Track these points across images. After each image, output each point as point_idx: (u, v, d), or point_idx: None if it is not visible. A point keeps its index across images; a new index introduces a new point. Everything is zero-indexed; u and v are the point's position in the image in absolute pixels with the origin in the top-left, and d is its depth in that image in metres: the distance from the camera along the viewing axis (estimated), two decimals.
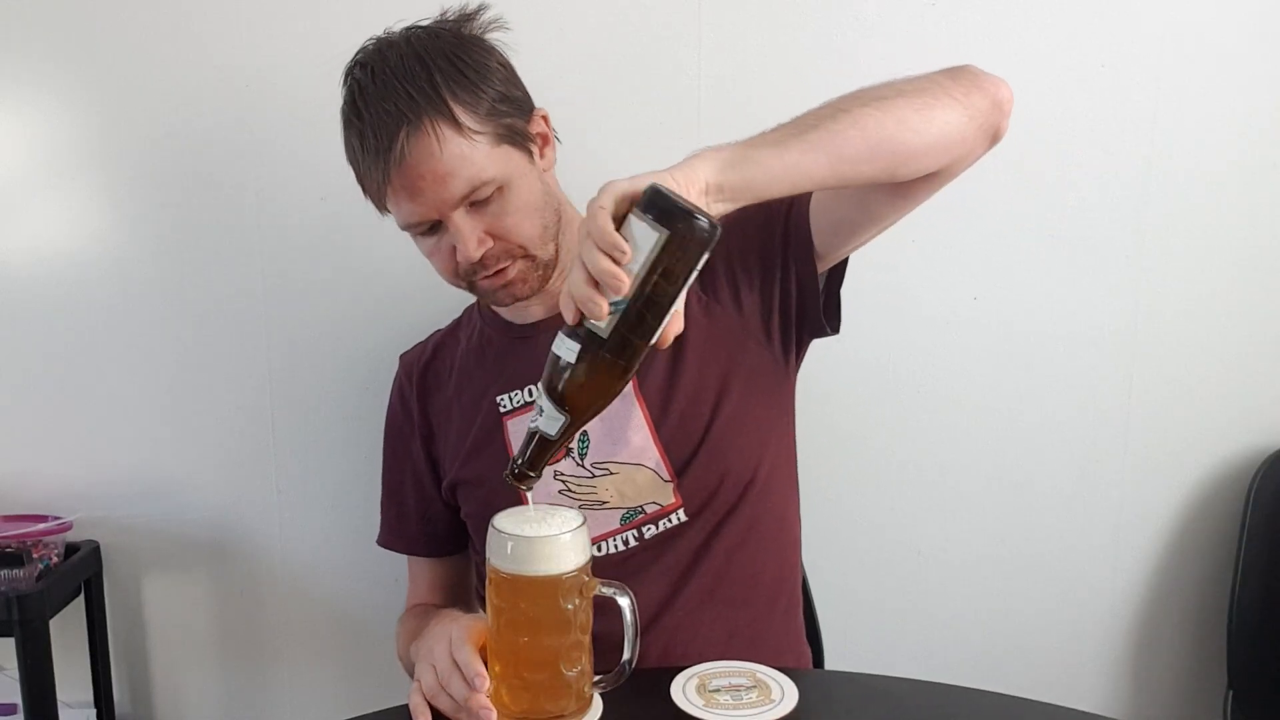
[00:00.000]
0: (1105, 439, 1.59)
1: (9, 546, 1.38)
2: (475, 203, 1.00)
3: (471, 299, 1.21)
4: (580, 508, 1.08)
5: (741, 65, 1.45)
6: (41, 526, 1.43)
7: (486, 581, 0.88)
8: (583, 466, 1.09)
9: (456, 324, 1.26)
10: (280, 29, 1.43)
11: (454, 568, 1.28)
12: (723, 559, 1.08)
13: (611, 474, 1.08)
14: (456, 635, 0.90)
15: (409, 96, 0.97)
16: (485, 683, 0.85)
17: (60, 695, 1.43)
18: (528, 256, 1.04)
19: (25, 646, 1.35)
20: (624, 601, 0.86)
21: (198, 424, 1.53)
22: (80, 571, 1.48)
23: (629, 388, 1.06)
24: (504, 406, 1.13)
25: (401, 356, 1.28)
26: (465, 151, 0.98)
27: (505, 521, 0.87)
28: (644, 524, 1.08)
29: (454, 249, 1.02)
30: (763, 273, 1.09)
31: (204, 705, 1.62)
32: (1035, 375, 1.56)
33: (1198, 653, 1.66)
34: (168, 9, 1.42)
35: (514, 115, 1.03)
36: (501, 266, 1.03)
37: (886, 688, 0.97)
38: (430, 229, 1.02)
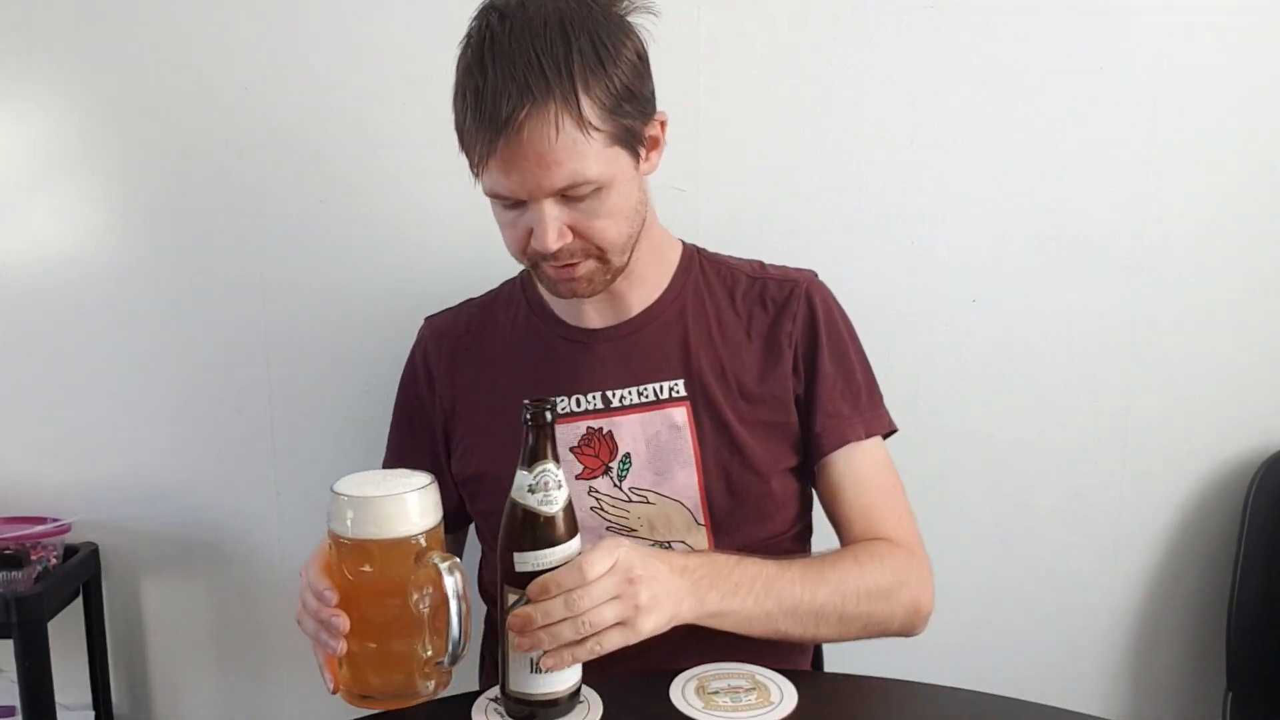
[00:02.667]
0: (1104, 441, 1.59)
1: (8, 548, 1.38)
2: (568, 196, 0.96)
3: (502, 273, 1.19)
4: (608, 529, 1.07)
5: (741, 67, 1.45)
6: (40, 528, 1.43)
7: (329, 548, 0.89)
8: (619, 489, 1.08)
9: (494, 298, 1.21)
10: (280, 30, 1.43)
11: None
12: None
13: (649, 504, 1.07)
14: (310, 557, 0.91)
15: (541, 72, 0.91)
16: (333, 596, 0.85)
17: (58, 697, 1.43)
18: (602, 259, 1.01)
19: (24, 648, 1.35)
20: (450, 580, 0.83)
21: (197, 426, 1.53)
22: (79, 574, 1.48)
23: (684, 420, 1.08)
24: None
25: (430, 320, 1.22)
26: (579, 146, 0.94)
27: (347, 482, 0.87)
28: None
29: (530, 231, 0.98)
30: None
31: (202, 707, 1.62)
32: (1034, 378, 1.56)
33: (1197, 654, 1.66)
34: (168, 10, 1.42)
35: (635, 117, 0.98)
36: (573, 261, 1.00)
37: (885, 689, 0.97)
38: (514, 204, 0.98)
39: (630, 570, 0.85)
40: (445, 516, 1.14)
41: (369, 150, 1.46)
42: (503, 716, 0.88)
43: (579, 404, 1.09)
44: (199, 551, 1.56)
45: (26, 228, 1.49)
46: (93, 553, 1.51)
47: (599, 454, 1.09)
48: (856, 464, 1.10)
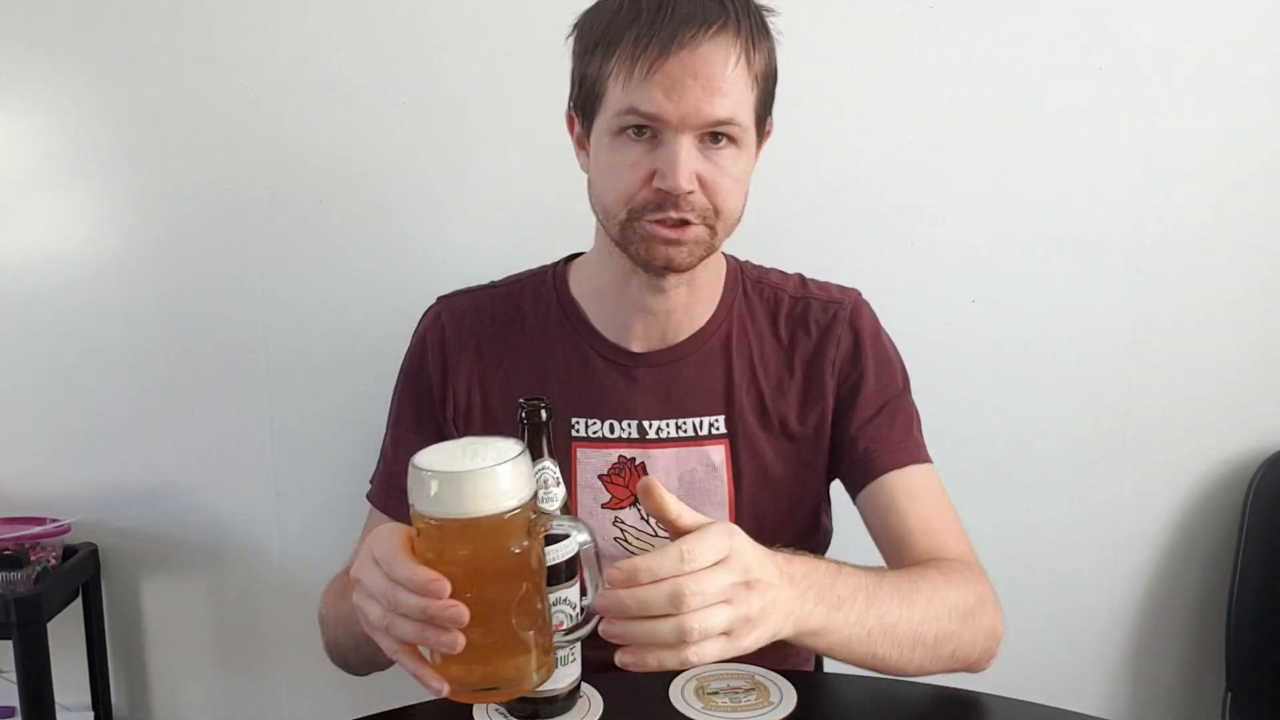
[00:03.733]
0: (1104, 442, 1.59)
1: (7, 549, 1.38)
2: (710, 138, 0.93)
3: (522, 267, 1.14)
4: None
5: None
6: (39, 529, 1.43)
7: (416, 534, 0.74)
8: (646, 521, 1.04)
9: (519, 289, 1.12)
10: (280, 31, 1.43)
11: None
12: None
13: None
14: (383, 550, 0.72)
15: (722, 3, 0.91)
16: (445, 586, 0.68)
17: (58, 698, 1.42)
18: (711, 228, 0.96)
19: (23, 649, 1.35)
20: (582, 537, 0.74)
21: (196, 427, 1.53)
22: (78, 574, 1.48)
23: (721, 460, 1.05)
24: (577, 431, 1.05)
25: (447, 301, 1.13)
26: (742, 84, 0.92)
27: (429, 457, 0.73)
28: None
29: (652, 172, 0.93)
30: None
31: (202, 708, 1.62)
32: (1034, 378, 1.56)
33: (1196, 655, 1.66)
34: (167, 10, 1.42)
35: (770, 97, 0.99)
36: (686, 217, 0.94)
37: (885, 690, 0.97)
38: (647, 135, 0.93)
39: (748, 571, 0.73)
40: None
41: (368, 150, 1.46)
42: (504, 715, 0.88)
43: (613, 430, 1.05)
44: (198, 552, 1.56)
45: (25, 228, 1.49)
46: (92, 553, 1.51)
47: (629, 484, 1.05)
48: (917, 483, 1.04)
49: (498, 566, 0.72)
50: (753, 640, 0.74)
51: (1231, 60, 1.50)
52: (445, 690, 0.72)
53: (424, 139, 1.46)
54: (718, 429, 1.06)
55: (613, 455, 1.05)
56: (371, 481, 1.14)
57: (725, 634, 0.72)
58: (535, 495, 0.74)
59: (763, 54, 0.95)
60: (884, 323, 1.13)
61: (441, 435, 1.07)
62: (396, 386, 1.13)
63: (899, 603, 0.87)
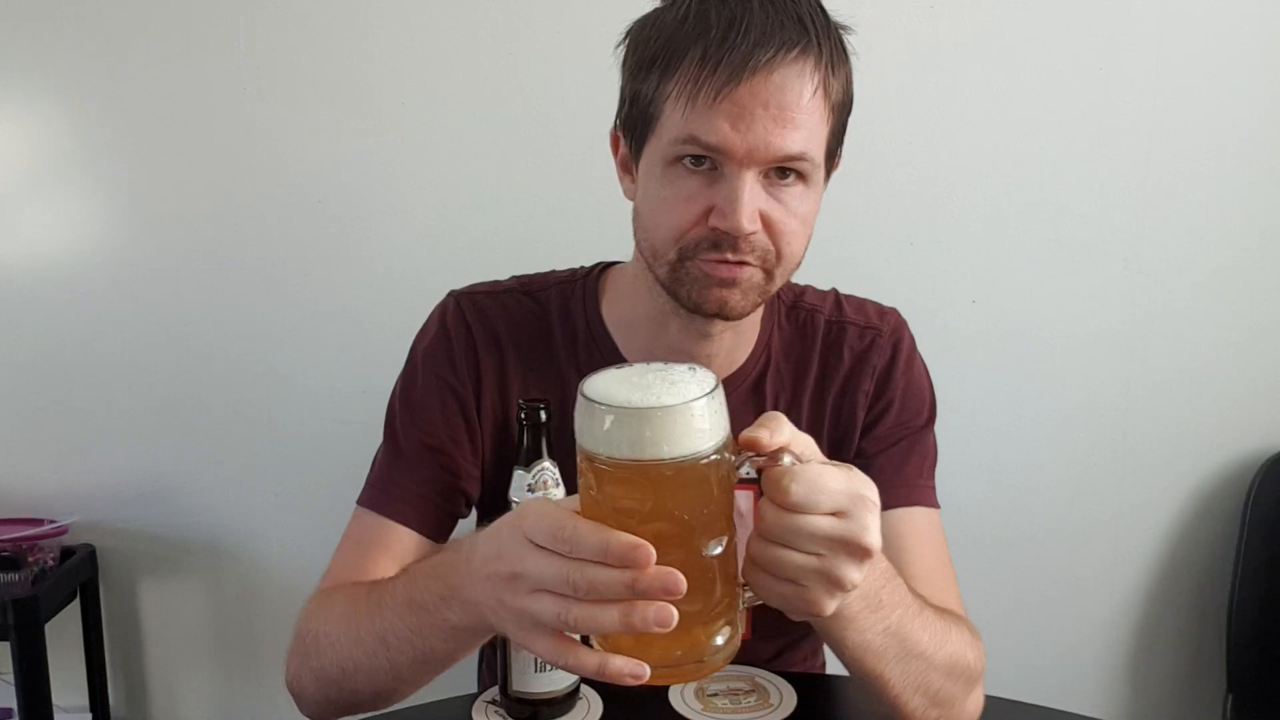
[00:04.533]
0: (1103, 443, 1.58)
1: (4, 550, 1.38)
2: (778, 174, 0.84)
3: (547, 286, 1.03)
4: None
5: None
6: (37, 530, 1.43)
7: (580, 478, 0.62)
8: None
9: (545, 300, 1.01)
10: (279, 32, 1.43)
11: None
12: (779, 659, 1.02)
13: None
14: (548, 527, 0.60)
15: (803, 22, 0.81)
16: (651, 551, 0.56)
17: (56, 700, 1.42)
18: (769, 272, 0.87)
19: (21, 651, 1.35)
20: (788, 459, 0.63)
21: (194, 428, 1.52)
22: (76, 575, 1.48)
23: (749, 508, 0.93)
24: None
25: (469, 297, 1.01)
26: (818, 116, 0.83)
27: (605, 385, 0.61)
28: None
29: (709, 208, 0.83)
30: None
31: (200, 710, 1.61)
32: (1034, 379, 1.56)
33: (1197, 656, 1.66)
34: (167, 11, 1.42)
35: (843, 129, 0.89)
36: (744, 260, 0.85)
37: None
38: (706, 165, 0.83)
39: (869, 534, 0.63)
40: (449, 522, 0.98)
41: (368, 151, 1.46)
42: (502, 716, 0.88)
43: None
44: (197, 553, 1.56)
45: (24, 229, 1.48)
46: (90, 554, 1.51)
47: None
48: (921, 527, 0.97)
49: (695, 519, 0.60)
50: (834, 606, 0.65)
51: (1231, 60, 1.50)
52: (646, 674, 0.61)
53: (424, 139, 1.46)
54: (748, 474, 0.99)
55: None
56: (372, 485, 1.00)
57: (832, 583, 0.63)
58: (729, 436, 0.62)
59: (841, 81, 0.86)
60: None
61: (473, 439, 0.97)
62: (408, 386, 1.00)
63: (929, 638, 0.80)
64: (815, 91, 0.82)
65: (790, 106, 0.80)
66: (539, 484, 0.84)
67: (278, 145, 1.46)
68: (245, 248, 1.48)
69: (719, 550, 0.61)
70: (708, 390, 0.59)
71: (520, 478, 0.85)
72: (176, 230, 1.48)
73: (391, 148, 1.46)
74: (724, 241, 0.84)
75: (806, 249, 0.90)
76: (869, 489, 0.64)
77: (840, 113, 0.87)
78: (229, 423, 1.52)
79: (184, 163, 1.46)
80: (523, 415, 0.84)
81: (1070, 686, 1.65)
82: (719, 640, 0.63)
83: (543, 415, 0.84)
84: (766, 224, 0.84)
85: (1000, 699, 0.95)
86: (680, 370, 0.62)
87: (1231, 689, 1.56)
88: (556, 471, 0.86)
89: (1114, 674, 1.67)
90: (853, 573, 0.63)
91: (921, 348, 1.13)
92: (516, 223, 1.48)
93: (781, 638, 1.00)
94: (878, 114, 1.48)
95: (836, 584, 0.63)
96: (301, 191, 1.47)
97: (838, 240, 1.50)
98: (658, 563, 0.57)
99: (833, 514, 0.62)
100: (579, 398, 0.60)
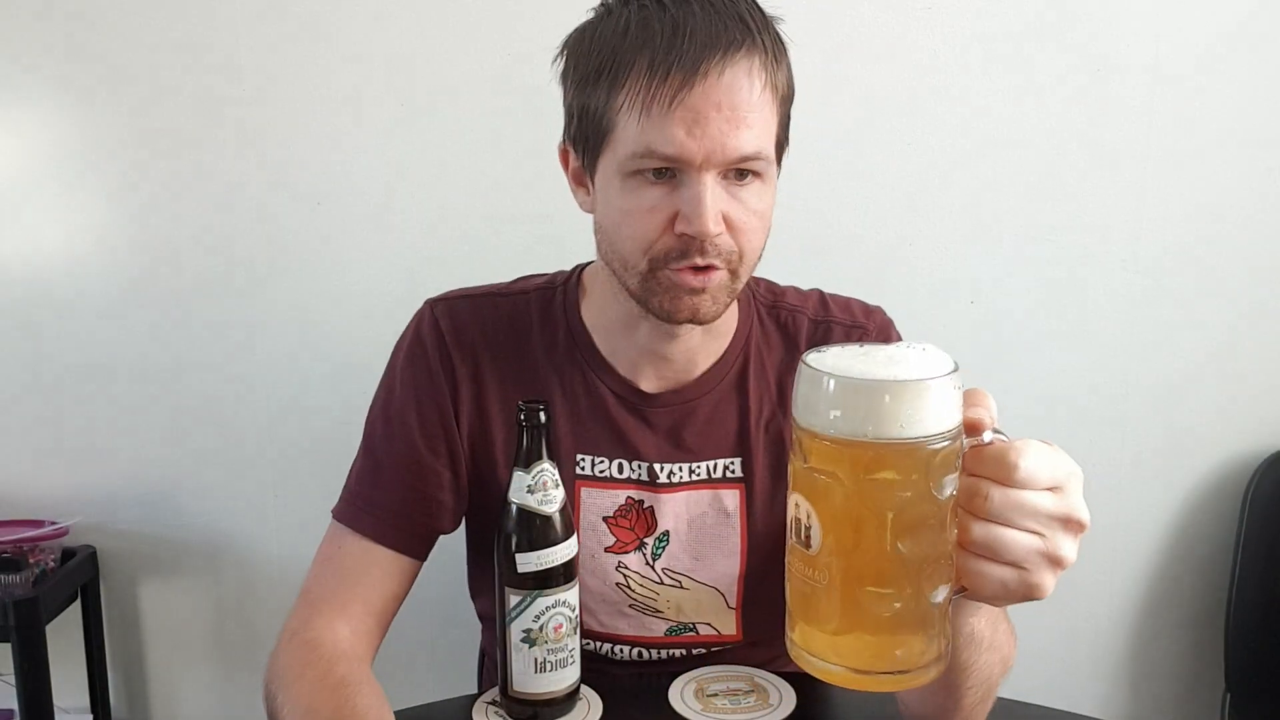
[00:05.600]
0: (1102, 443, 1.59)
1: (5, 552, 1.38)
2: (735, 174, 0.84)
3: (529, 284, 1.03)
4: (630, 606, 0.98)
5: None
6: (38, 532, 1.43)
7: (794, 457, 0.59)
8: (652, 568, 0.97)
9: (523, 304, 1.01)
10: (278, 33, 1.43)
11: (413, 578, 0.98)
12: (768, 662, 1.02)
13: (682, 589, 0.98)
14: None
15: (744, 20, 0.82)
16: None
17: (57, 701, 1.42)
18: (734, 272, 0.87)
19: (22, 652, 1.35)
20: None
21: (194, 429, 1.53)
22: (77, 577, 1.48)
23: (735, 505, 0.98)
24: (582, 468, 0.97)
25: (445, 304, 1.00)
26: (768, 111, 0.83)
27: (832, 358, 0.58)
28: (693, 645, 1.00)
29: (673, 216, 0.83)
30: None
31: (201, 710, 1.61)
32: (1032, 379, 1.57)
33: (1195, 656, 1.66)
34: (165, 12, 1.42)
35: (788, 120, 0.89)
36: (712, 264, 0.85)
37: (884, 692, 0.97)
38: (665, 176, 0.83)
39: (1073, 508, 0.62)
40: (428, 539, 0.98)
41: (367, 153, 1.46)
42: (503, 718, 0.88)
43: (621, 470, 0.97)
44: (197, 554, 1.56)
45: (23, 230, 1.49)
46: (91, 556, 1.51)
47: (634, 528, 0.98)
48: None
49: (915, 509, 0.57)
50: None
51: (1229, 61, 1.50)
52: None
53: (424, 142, 1.46)
54: (733, 472, 0.99)
55: (620, 496, 0.97)
56: (350, 501, 0.98)
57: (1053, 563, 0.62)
58: (961, 425, 0.59)
59: (784, 73, 0.86)
60: None
61: (453, 448, 0.97)
62: (386, 397, 0.99)
63: (1004, 629, 0.81)
64: (764, 87, 0.83)
65: (742, 105, 0.81)
66: (539, 485, 0.85)
67: (277, 147, 1.46)
68: (245, 249, 1.48)
69: (930, 548, 0.58)
70: (946, 371, 0.57)
71: (520, 479, 0.85)
72: (176, 231, 1.48)
73: (390, 150, 1.46)
74: (691, 247, 0.84)
75: (765, 245, 0.90)
76: (1074, 463, 0.63)
77: (786, 104, 0.88)
78: (229, 424, 1.52)
79: (183, 164, 1.46)
80: (522, 416, 0.85)
81: (1069, 686, 1.65)
82: (935, 648, 0.60)
83: (542, 416, 0.85)
84: (729, 225, 0.85)
85: (999, 699, 0.95)
86: (913, 349, 0.60)
87: (1230, 688, 1.56)
88: (556, 472, 0.86)
89: (1112, 674, 1.68)
90: (1070, 550, 0.62)
91: None
92: (517, 224, 1.48)
93: (770, 646, 1.01)
94: (876, 114, 1.49)
95: (1057, 562, 0.61)
96: (301, 193, 1.47)
97: (837, 241, 1.51)
98: (852, 554, 0.57)
99: (1051, 490, 0.61)
100: (800, 367, 0.58)
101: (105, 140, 1.46)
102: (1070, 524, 0.61)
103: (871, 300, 1.07)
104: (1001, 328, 1.55)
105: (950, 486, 0.57)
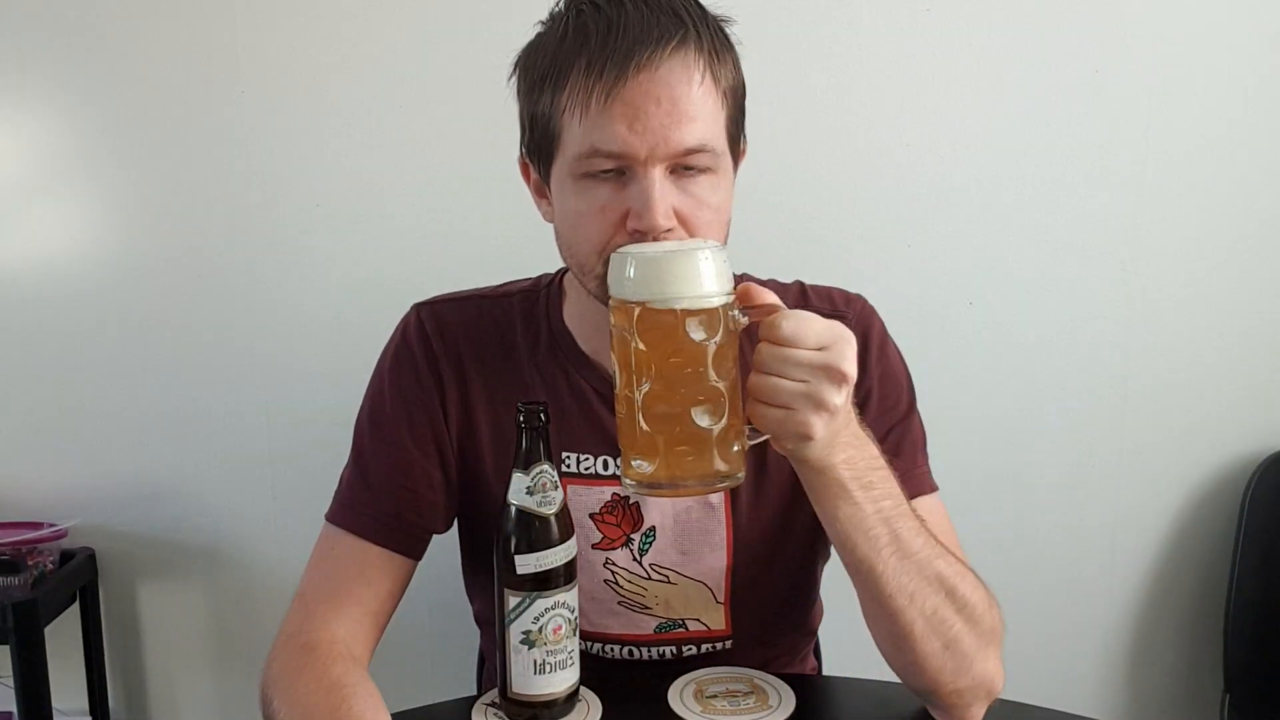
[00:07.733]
0: (1101, 444, 1.59)
1: (4, 554, 1.38)
2: (683, 170, 0.84)
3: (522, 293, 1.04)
4: (619, 604, 0.99)
5: None
6: (37, 533, 1.43)
7: (611, 320, 0.77)
8: (639, 564, 0.98)
9: (506, 306, 1.02)
10: (277, 34, 1.43)
11: (407, 577, 0.99)
12: (760, 660, 1.03)
13: (670, 584, 0.98)
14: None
15: (679, 15, 0.83)
16: None
17: (55, 703, 1.42)
18: None
19: (20, 654, 1.35)
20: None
21: (193, 431, 1.52)
22: (75, 579, 1.48)
23: (720, 500, 0.97)
24: (568, 466, 0.97)
25: (430, 308, 1.02)
26: (710, 104, 0.84)
27: (630, 245, 0.79)
28: (684, 641, 1.00)
29: (625, 213, 0.84)
30: None
31: (200, 712, 1.61)
32: (1031, 380, 1.57)
33: (1194, 657, 1.66)
34: (165, 13, 1.42)
35: (742, 113, 0.90)
36: None
37: (883, 693, 0.97)
38: (614, 174, 0.84)
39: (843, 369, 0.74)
40: (422, 538, 0.98)
41: (366, 154, 1.46)
42: (501, 718, 0.88)
43: (606, 466, 0.97)
44: (196, 556, 1.56)
45: (22, 232, 1.49)
46: (89, 557, 1.51)
47: (621, 524, 0.98)
48: (928, 514, 0.92)
49: (680, 357, 0.74)
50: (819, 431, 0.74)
51: (1228, 61, 1.50)
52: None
53: (423, 143, 1.46)
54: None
55: (606, 493, 0.97)
56: (342, 504, 0.99)
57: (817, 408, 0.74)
58: (732, 296, 0.77)
59: (728, 67, 0.87)
60: None
61: (442, 450, 0.98)
62: (375, 400, 1.01)
63: (922, 542, 0.85)
64: (703, 79, 0.83)
65: (681, 98, 0.82)
66: (538, 486, 0.84)
67: (276, 149, 1.46)
68: (244, 250, 1.48)
69: (725, 383, 0.75)
70: (709, 247, 0.76)
71: (519, 480, 0.85)
72: (176, 233, 1.48)
73: (389, 152, 1.46)
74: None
75: (727, 237, 0.90)
76: (847, 331, 0.75)
77: (734, 98, 0.88)
78: (228, 426, 1.52)
79: (183, 165, 1.46)
80: (522, 418, 0.85)
81: (1068, 686, 1.65)
82: (729, 463, 0.76)
83: (541, 417, 0.85)
84: (681, 219, 0.85)
85: (999, 699, 0.95)
86: (693, 241, 0.81)
87: (1229, 688, 1.56)
88: (555, 474, 0.86)
89: (1111, 674, 1.68)
90: (834, 396, 0.73)
91: (918, 348, 1.12)
92: (517, 226, 1.47)
93: (763, 649, 1.01)
94: (875, 115, 1.49)
95: (821, 405, 0.73)
96: (300, 194, 1.47)
97: (835, 241, 1.51)
98: (678, 395, 0.74)
99: (816, 349, 0.73)
100: (630, 262, 0.76)
101: (104, 142, 1.46)
102: (832, 373, 0.73)
103: (871, 300, 1.06)
104: (1001, 328, 1.55)
105: (713, 340, 0.74)
